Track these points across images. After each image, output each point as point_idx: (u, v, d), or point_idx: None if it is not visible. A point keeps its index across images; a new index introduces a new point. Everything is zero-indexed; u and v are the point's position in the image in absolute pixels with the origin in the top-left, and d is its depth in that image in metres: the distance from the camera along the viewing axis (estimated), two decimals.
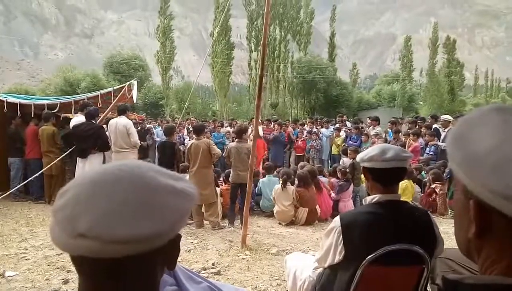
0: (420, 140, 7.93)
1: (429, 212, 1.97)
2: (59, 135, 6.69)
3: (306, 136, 9.98)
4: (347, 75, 47.13)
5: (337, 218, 1.79)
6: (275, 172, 6.67)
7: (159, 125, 11.10)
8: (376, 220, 1.70)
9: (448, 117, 8.20)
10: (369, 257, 1.61)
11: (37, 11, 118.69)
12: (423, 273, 1.69)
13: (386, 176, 1.79)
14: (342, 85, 33.19)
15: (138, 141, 6.27)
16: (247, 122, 14.08)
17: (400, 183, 2.12)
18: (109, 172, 0.63)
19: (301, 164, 6.76)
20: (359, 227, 1.69)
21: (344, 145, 8.80)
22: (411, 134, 8.11)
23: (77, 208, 0.57)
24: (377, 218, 1.70)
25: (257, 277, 3.54)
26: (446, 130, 7.67)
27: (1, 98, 6.76)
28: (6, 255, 3.92)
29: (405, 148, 7.49)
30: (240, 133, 5.64)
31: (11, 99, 6.80)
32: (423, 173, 7.11)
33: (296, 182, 6.04)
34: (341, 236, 1.71)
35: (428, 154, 7.66)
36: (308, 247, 4.57)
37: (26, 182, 6.56)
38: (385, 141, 8.26)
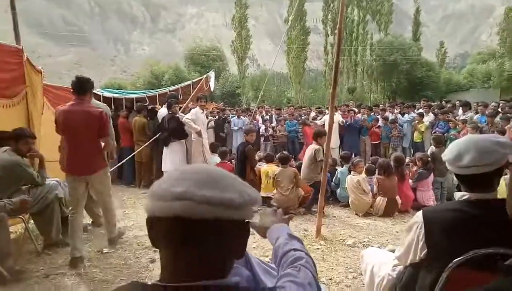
0: None
1: None
2: (149, 126, 7.26)
3: (381, 122, 9.42)
4: (433, 54, 43.32)
5: (419, 213, 1.65)
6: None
7: (235, 113, 11.38)
8: (464, 219, 1.52)
9: None
10: (456, 260, 1.45)
11: (127, 10, 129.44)
12: None
13: (466, 181, 1.60)
14: (428, 66, 30.54)
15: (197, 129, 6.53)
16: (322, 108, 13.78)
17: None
18: (193, 165, 0.83)
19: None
20: (443, 225, 1.54)
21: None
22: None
23: (171, 182, 0.72)
24: (465, 216, 1.52)
25: (332, 269, 3.48)
26: None
27: (98, 92, 7.54)
28: (104, 233, 4.40)
29: (503, 135, 6.66)
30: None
31: (106, 94, 7.57)
32: None
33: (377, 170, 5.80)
34: (423, 232, 1.58)
35: None
36: (387, 240, 4.35)
37: (118, 165, 7.24)
38: (477, 128, 7.40)
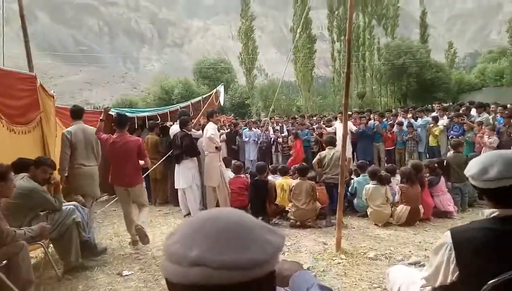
0: None
1: None
2: (162, 143, 7.29)
3: (396, 128, 9.30)
4: (442, 56, 42.92)
5: (448, 233, 1.59)
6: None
7: (246, 125, 11.37)
8: (495, 237, 1.46)
9: None
10: (491, 281, 1.39)
11: (135, 28, 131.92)
12: None
13: (492, 196, 1.53)
14: (437, 67, 30.22)
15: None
16: (333, 115, 13.68)
17: None
18: (210, 213, 0.71)
19: None
20: (474, 245, 1.47)
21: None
22: None
23: (186, 242, 0.65)
24: (496, 234, 1.46)
25: (355, 284, 3.39)
26: None
27: (112, 113, 7.62)
28: (122, 254, 4.40)
29: None
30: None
31: None
32: None
33: (398, 177, 5.84)
34: (453, 254, 1.52)
35: None
36: (410, 251, 4.23)
37: None
38: (494, 129, 7.23)
